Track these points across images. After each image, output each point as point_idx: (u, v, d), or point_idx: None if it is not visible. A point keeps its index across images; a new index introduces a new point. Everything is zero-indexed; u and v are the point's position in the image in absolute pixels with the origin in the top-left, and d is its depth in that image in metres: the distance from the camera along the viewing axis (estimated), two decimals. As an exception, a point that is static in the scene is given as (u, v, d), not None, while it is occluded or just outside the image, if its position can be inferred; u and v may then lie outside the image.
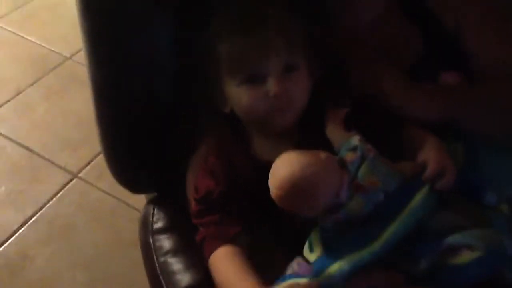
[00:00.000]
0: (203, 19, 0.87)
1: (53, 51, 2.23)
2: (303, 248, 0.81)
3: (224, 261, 0.82)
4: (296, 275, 0.78)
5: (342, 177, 0.78)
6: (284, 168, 0.78)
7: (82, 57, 2.02)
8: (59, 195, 1.73)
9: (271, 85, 0.80)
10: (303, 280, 0.76)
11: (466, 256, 0.74)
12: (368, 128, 0.83)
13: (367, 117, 0.86)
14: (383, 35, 0.95)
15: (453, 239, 0.75)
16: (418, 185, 0.79)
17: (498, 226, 0.78)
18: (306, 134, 0.86)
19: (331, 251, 0.77)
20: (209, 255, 0.84)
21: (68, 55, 2.20)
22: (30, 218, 1.66)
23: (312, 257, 0.78)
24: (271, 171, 0.79)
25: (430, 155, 0.81)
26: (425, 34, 0.93)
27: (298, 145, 0.82)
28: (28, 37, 2.30)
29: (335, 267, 0.75)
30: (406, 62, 0.94)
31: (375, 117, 0.87)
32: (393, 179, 0.79)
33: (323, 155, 0.79)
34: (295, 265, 0.79)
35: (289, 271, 0.79)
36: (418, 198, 0.77)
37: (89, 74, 0.94)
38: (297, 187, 0.76)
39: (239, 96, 0.84)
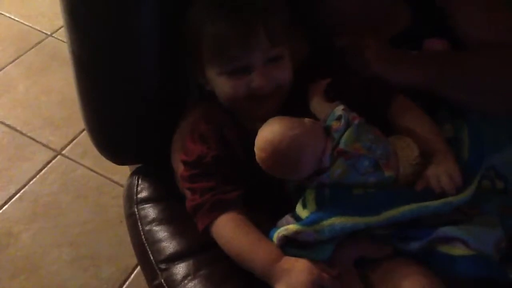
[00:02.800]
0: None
1: (33, 28, 2.20)
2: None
3: (231, 228, 0.81)
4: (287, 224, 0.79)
5: (326, 143, 0.79)
6: (267, 130, 0.79)
7: (63, 34, 2.01)
8: (42, 172, 1.71)
9: (254, 78, 0.81)
10: (291, 226, 0.77)
11: (460, 250, 0.75)
12: (350, 97, 0.84)
13: (348, 87, 0.87)
14: (367, 6, 0.94)
15: (447, 229, 0.76)
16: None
17: (489, 210, 0.80)
18: (291, 108, 0.86)
19: (326, 210, 0.77)
20: (205, 225, 0.83)
21: (49, 32, 2.17)
22: (14, 195, 1.65)
23: (304, 213, 0.79)
24: (257, 136, 0.80)
25: (439, 170, 0.78)
26: (412, 5, 0.93)
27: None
28: (8, 14, 2.26)
29: (328, 222, 0.76)
30: (390, 32, 0.94)
31: (356, 86, 0.88)
32: (378, 146, 0.80)
33: (307, 120, 0.81)
34: (283, 221, 0.80)
35: (278, 225, 0.80)
36: (441, 202, 0.77)
37: (69, 50, 0.92)
38: (277, 149, 0.77)
39: (220, 84, 0.84)
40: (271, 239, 0.79)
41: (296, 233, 0.76)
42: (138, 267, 1.47)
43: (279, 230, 0.78)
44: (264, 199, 0.87)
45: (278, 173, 0.80)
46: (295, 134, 0.78)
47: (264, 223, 0.82)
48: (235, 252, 0.81)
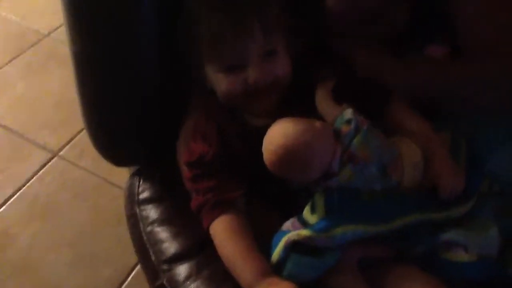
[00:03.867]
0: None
1: (30, 28, 2.19)
2: (295, 214, 0.81)
3: (226, 233, 0.81)
4: (294, 229, 0.78)
5: (335, 147, 0.79)
6: (279, 134, 0.78)
7: (60, 34, 1.99)
8: (40, 173, 1.70)
9: (250, 73, 0.81)
10: (303, 232, 0.76)
11: (461, 256, 0.76)
12: (356, 98, 0.84)
13: (354, 88, 0.87)
14: (366, 7, 0.94)
15: (449, 235, 0.77)
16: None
17: (485, 214, 0.80)
18: (289, 104, 0.86)
19: (335, 217, 0.77)
20: (209, 223, 0.83)
21: (46, 32, 2.16)
22: (11, 197, 1.64)
23: (313, 218, 0.79)
24: (265, 137, 0.79)
25: (441, 172, 0.80)
26: (413, 7, 0.93)
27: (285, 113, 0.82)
28: (4, 14, 2.24)
29: (338, 231, 0.76)
30: (389, 34, 0.94)
31: (362, 87, 0.88)
32: (385, 151, 0.80)
33: (318, 123, 0.80)
34: (289, 224, 0.80)
35: (284, 228, 0.80)
36: (444, 215, 0.79)
37: (70, 48, 0.92)
38: (290, 153, 0.77)
39: (218, 81, 0.85)
40: (276, 243, 0.78)
41: (308, 238, 0.76)
42: (137, 268, 1.47)
43: (289, 235, 0.77)
44: (266, 197, 0.87)
45: (285, 175, 0.80)
46: (307, 138, 0.77)
47: (265, 222, 0.83)
48: (225, 258, 0.81)
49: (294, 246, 0.76)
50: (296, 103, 0.84)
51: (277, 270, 0.77)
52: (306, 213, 0.80)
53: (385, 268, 0.79)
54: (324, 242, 0.76)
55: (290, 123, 0.79)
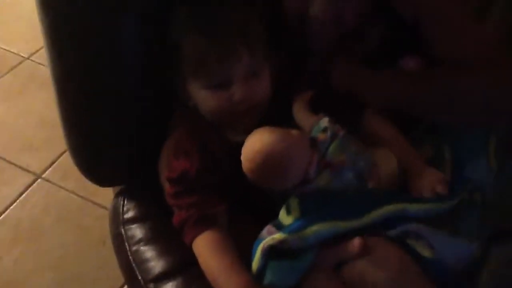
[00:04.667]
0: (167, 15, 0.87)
1: (10, 51, 2.18)
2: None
3: (209, 250, 0.82)
4: (269, 235, 0.79)
5: (312, 154, 0.81)
6: (256, 142, 0.80)
7: (41, 57, 1.99)
8: (23, 196, 1.70)
9: (235, 91, 0.83)
10: (277, 235, 0.77)
11: (424, 250, 0.77)
12: (333, 110, 0.86)
13: (331, 100, 0.90)
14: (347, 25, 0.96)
15: (420, 228, 0.78)
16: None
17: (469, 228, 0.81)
18: (271, 120, 0.87)
19: (309, 217, 0.78)
20: (192, 239, 0.84)
21: (26, 55, 2.16)
22: (-5, 220, 1.63)
23: (288, 220, 0.80)
24: (244, 146, 0.81)
25: (414, 182, 0.82)
26: (386, 22, 0.95)
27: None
28: (-17, 38, 2.24)
29: (312, 229, 0.77)
30: (362, 51, 0.96)
31: (338, 99, 0.90)
32: (361, 158, 0.82)
33: (294, 132, 0.82)
34: (265, 231, 0.81)
35: (260, 236, 0.81)
36: (420, 207, 0.79)
37: (50, 67, 0.92)
38: (267, 161, 0.78)
39: (203, 98, 0.86)
40: (254, 252, 0.79)
41: (282, 241, 0.77)
42: (123, 289, 1.47)
43: (264, 241, 0.78)
44: (249, 210, 0.88)
45: (264, 183, 0.81)
46: (284, 146, 0.79)
47: (249, 234, 0.83)
48: (209, 273, 0.82)
49: (271, 253, 0.77)
50: (277, 120, 0.85)
51: (258, 278, 0.78)
52: (282, 216, 0.81)
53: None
54: (297, 243, 0.76)
55: (267, 131, 0.81)
